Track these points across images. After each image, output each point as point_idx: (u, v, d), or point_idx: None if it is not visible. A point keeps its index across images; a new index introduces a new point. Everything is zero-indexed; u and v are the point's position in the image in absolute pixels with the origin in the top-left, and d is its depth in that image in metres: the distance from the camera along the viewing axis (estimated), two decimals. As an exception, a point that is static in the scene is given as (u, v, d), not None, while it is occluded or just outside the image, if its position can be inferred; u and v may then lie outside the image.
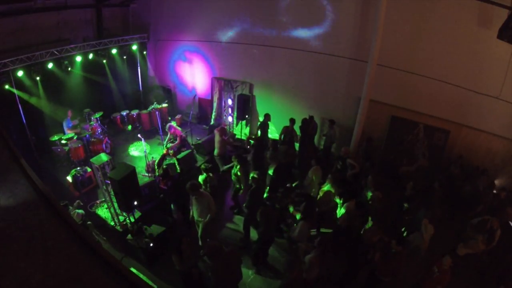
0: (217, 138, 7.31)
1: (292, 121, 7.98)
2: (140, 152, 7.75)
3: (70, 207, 5.50)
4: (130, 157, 8.66)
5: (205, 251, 3.82)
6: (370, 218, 4.99)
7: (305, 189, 6.14)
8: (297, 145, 8.36)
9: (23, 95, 7.31)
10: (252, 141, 8.27)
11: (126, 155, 8.74)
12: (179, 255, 4.04)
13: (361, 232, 4.89)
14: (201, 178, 6.11)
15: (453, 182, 6.54)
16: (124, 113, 9.85)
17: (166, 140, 8.52)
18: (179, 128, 8.60)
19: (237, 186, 6.40)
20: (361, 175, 6.28)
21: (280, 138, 8.14)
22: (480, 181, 6.45)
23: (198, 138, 9.12)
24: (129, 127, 9.86)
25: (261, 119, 8.80)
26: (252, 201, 5.31)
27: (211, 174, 6.19)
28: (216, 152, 7.38)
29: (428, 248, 4.97)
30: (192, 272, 4.17)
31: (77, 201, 5.75)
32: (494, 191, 6.37)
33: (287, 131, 8.01)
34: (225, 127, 7.50)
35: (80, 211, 5.42)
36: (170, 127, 8.49)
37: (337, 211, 5.49)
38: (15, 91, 7.01)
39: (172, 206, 6.34)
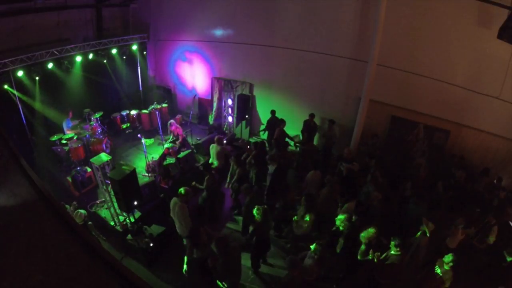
0: (215, 149, 6.89)
1: (281, 121, 7.88)
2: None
3: (67, 206, 5.50)
4: (130, 157, 8.67)
5: (215, 243, 3.93)
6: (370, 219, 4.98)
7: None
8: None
9: (22, 97, 7.29)
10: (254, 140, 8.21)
11: (126, 155, 8.74)
12: (195, 244, 4.14)
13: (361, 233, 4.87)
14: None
15: (459, 184, 6.50)
16: (124, 113, 9.85)
17: (169, 139, 8.50)
18: (180, 127, 8.60)
19: (236, 186, 6.40)
20: (364, 173, 6.27)
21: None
22: (481, 181, 6.44)
23: (198, 138, 9.13)
24: (127, 125, 9.75)
25: (262, 119, 8.80)
26: (248, 210, 5.28)
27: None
28: (216, 164, 6.94)
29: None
30: (209, 261, 4.22)
31: (73, 202, 5.74)
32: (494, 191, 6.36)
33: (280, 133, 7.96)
34: (221, 136, 7.29)
35: (83, 211, 5.43)
36: (172, 124, 8.46)
37: (338, 211, 5.49)
38: (15, 92, 7.01)
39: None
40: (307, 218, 4.96)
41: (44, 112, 8.05)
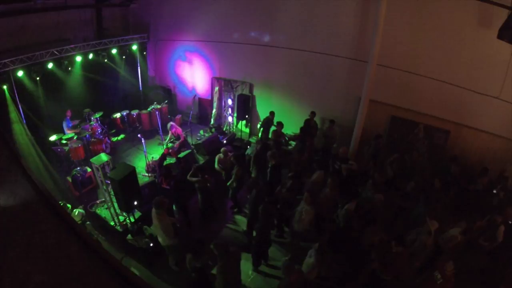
0: (221, 158, 6.93)
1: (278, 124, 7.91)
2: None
3: (69, 206, 5.50)
4: (130, 157, 8.67)
5: (215, 248, 3.98)
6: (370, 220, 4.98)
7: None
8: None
9: (11, 102, 7.24)
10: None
11: (126, 155, 8.75)
12: (194, 255, 4.17)
13: (362, 233, 4.88)
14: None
15: (456, 181, 6.51)
16: (124, 113, 9.86)
17: (167, 140, 8.51)
18: (179, 127, 8.61)
19: (234, 185, 6.41)
20: (364, 175, 6.26)
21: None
22: (480, 181, 6.44)
23: (198, 138, 9.13)
24: (118, 138, 9.40)
25: (262, 118, 8.80)
26: (255, 204, 5.31)
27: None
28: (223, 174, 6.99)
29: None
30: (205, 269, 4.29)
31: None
32: (494, 191, 6.36)
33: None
34: (227, 149, 7.28)
35: (81, 210, 5.44)
36: (172, 126, 8.47)
37: (338, 211, 5.50)
38: (12, 97, 6.99)
39: (173, 206, 6.33)
40: (305, 214, 4.98)
41: (44, 112, 8.05)
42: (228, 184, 6.47)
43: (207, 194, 6.21)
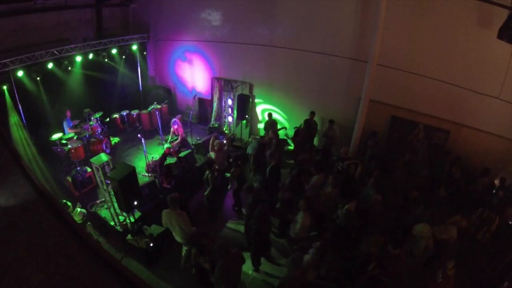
0: (215, 154, 6.90)
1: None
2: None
3: (69, 203, 5.48)
4: (130, 157, 8.68)
5: (215, 250, 4.00)
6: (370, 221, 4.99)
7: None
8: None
9: (22, 96, 7.27)
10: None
11: (126, 155, 8.75)
12: (199, 249, 4.20)
13: (361, 234, 4.87)
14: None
15: (455, 184, 6.51)
16: (124, 113, 9.86)
17: (169, 139, 8.50)
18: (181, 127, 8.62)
19: (230, 186, 6.43)
20: (365, 174, 6.27)
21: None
22: (480, 181, 6.45)
23: (198, 138, 9.13)
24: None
25: (262, 119, 8.80)
26: (251, 209, 5.30)
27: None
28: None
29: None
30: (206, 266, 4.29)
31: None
32: (494, 191, 6.36)
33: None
34: (222, 141, 7.29)
35: (82, 210, 5.44)
36: (175, 122, 8.46)
37: (338, 212, 5.48)
38: (12, 97, 6.99)
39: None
40: (300, 220, 4.97)
41: (44, 112, 8.05)
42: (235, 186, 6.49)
43: (216, 186, 6.25)
